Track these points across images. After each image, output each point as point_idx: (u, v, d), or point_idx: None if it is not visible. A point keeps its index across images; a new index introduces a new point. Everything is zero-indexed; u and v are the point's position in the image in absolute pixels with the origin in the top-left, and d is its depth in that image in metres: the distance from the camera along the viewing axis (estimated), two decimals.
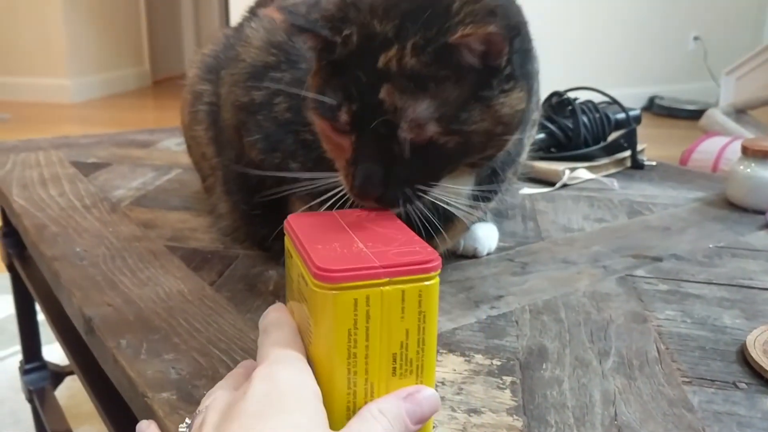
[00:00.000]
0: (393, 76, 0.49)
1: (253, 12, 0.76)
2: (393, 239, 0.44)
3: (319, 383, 0.40)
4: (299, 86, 0.60)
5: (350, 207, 0.54)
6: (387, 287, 0.39)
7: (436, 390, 0.42)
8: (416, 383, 0.42)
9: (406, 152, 0.51)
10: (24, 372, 1.22)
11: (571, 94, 1.08)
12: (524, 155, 0.69)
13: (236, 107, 0.67)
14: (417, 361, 0.41)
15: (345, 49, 0.51)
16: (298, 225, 0.45)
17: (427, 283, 0.40)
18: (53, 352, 1.29)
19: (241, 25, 0.76)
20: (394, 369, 0.41)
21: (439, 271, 0.41)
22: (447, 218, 0.60)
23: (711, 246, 0.77)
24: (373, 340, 0.40)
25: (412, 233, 0.45)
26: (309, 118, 0.56)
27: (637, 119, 1.10)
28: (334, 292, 0.38)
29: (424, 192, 0.53)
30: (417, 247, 0.42)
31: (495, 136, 0.53)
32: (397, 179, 0.51)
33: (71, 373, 1.21)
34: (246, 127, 0.66)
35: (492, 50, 0.50)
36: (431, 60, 0.49)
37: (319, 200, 0.58)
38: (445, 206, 0.56)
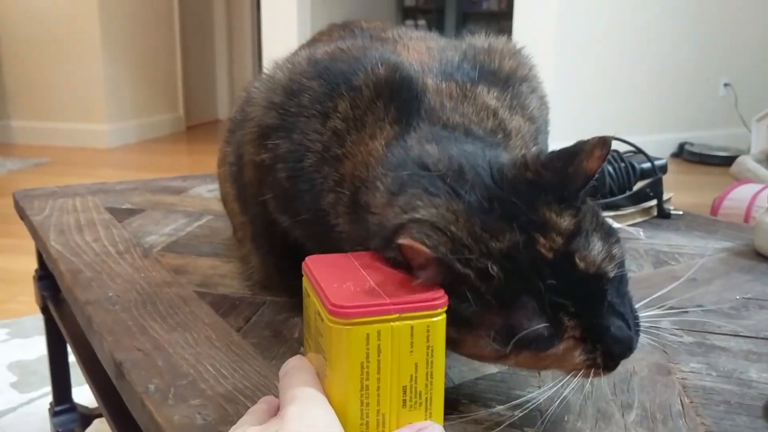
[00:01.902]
0: (568, 245, 0.48)
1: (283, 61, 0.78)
2: (403, 279, 0.47)
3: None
4: (294, 160, 0.62)
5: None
6: (397, 323, 0.42)
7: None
8: (425, 415, 0.44)
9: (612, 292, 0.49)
10: (54, 414, 1.23)
11: None
12: None
13: (253, 164, 0.69)
14: (426, 394, 0.44)
15: (488, 281, 0.47)
16: (315, 266, 0.48)
17: (434, 318, 0.43)
18: (82, 393, 1.31)
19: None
20: (405, 401, 0.43)
21: (445, 307, 0.44)
22: None
23: (738, 297, 0.77)
24: (384, 373, 0.42)
25: None
26: (479, 354, 0.50)
27: (663, 168, 1.10)
28: (347, 327, 0.41)
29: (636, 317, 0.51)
30: (424, 287, 0.45)
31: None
32: (629, 319, 0.50)
33: (100, 415, 1.22)
34: (263, 184, 0.68)
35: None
36: (574, 205, 0.50)
37: None
38: None
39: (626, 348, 0.49)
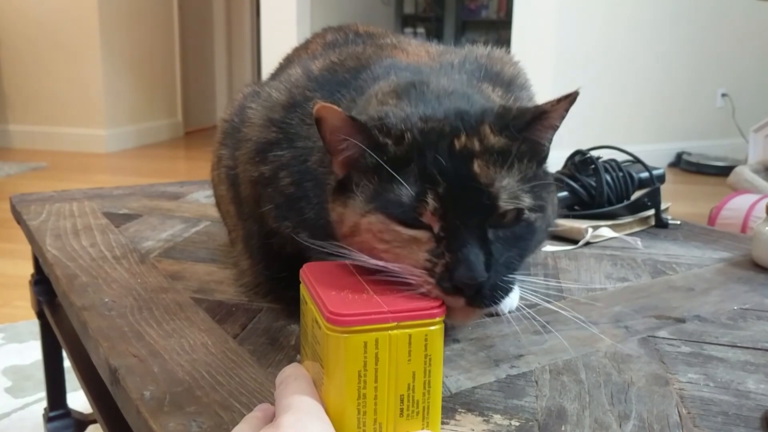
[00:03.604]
0: (478, 154, 0.51)
1: (276, 73, 0.79)
2: (401, 287, 0.46)
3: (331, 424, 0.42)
4: (299, 163, 0.64)
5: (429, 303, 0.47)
6: (395, 331, 0.42)
7: None
8: (422, 425, 0.44)
9: (502, 232, 0.50)
10: (48, 419, 1.23)
11: (594, 153, 1.09)
12: None
13: (251, 182, 0.70)
14: (423, 403, 0.44)
15: (401, 147, 0.51)
16: (312, 273, 0.48)
17: (432, 327, 0.43)
18: (77, 399, 1.30)
19: (261, 85, 0.78)
20: (402, 410, 0.43)
21: (443, 316, 0.44)
22: None
23: (735, 308, 0.77)
24: (382, 382, 0.42)
25: None
26: (346, 224, 0.53)
27: (661, 178, 1.10)
28: (345, 335, 0.41)
29: (510, 283, 0.51)
30: (422, 295, 0.46)
31: (552, 215, 0.56)
32: (495, 267, 0.49)
33: (94, 421, 1.22)
34: (261, 198, 0.69)
35: (559, 123, 0.54)
36: (513, 136, 0.52)
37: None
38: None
39: (469, 276, 0.47)
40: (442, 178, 0.49)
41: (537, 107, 0.53)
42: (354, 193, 0.52)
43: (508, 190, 0.50)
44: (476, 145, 0.51)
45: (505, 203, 0.50)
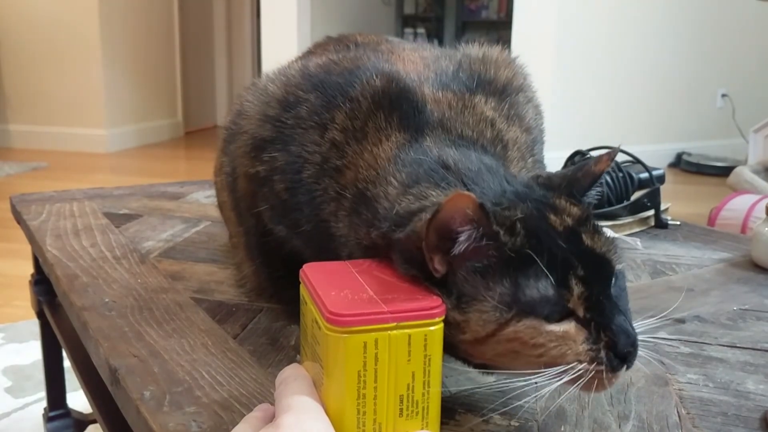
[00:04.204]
0: (578, 227, 0.49)
1: (281, 72, 0.78)
2: (400, 287, 0.47)
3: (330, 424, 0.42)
4: (293, 172, 0.62)
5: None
6: (394, 331, 0.42)
7: None
8: (422, 425, 0.44)
9: (614, 289, 0.49)
10: (48, 419, 1.23)
11: (594, 153, 1.09)
12: None
13: (247, 177, 0.69)
14: (423, 403, 0.44)
15: (515, 237, 0.47)
16: (312, 273, 0.48)
17: (431, 327, 0.43)
18: (77, 399, 1.30)
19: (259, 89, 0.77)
20: (401, 410, 0.43)
21: (443, 316, 0.44)
22: None
23: (735, 308, 0.77)
24: (381, 382, 0.42)
25: (418, 281, 0.48)
26: (471, 333, 0.47)
27: (661, 179, 1.10)
28: (345, 335, 0.41)
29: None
30: (422, 295, 0.46)
31: None
32: (629, 322, 0.48)
33: (94, 421, 1.22)
34: (256, 196, 0.68)
35: None
36: (579, 201, 0.52)
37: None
38: None
39: (632, 344, 0.46)
40: (575, 259, 0.47)
41: (589, 171, 0.53)
42: (472, 297, 0.47)
43: (612, 250, 0.50)
44: (568, 219, 0.50)
45: (617, 264, 0.49)
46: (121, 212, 1.12)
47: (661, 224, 1.10)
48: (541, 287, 0.46)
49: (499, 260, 0.47)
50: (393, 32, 6.60)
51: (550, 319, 0.46)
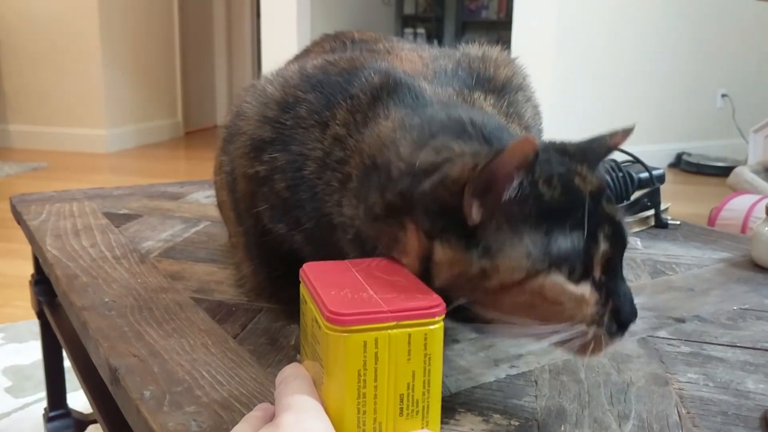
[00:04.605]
0: (599, 192, 0.50)
1: (279, 73, 0.78)
2: (400, 287, 0.47)
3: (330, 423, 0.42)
4: (294, 170, 0.62)
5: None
6: (394, 330, 0.42)
7: None
8: (422, 424, 0.44)
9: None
10: (48, 419, 1.23)
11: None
12: None
13: (246, 177, 0.69)
14: (423, 402, 0.44)
15: (552, 189, 0.48)
16: (312, 272, 0.48)
17: (432, 327, 0.43)
18: (77, 399, 1.30)
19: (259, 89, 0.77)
20: (402, 409, 0.43)
21: (443, 315, 0.44)
22: None
23: (735, 308, 0.77)
24: (382, 381, 0.42)
25: (418, 281, 0.48)
26: (495, 281, 0.47)
27: (661, 178, 1.10)
28: (345, 334, 0.41)
29: None
30: (422, 294, 0.46)
31: None
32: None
33: (94, 421, 1.22)
34: (256, 196, 0.68)
35: None
36: (595, 171, 0.53)
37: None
38: None
39: (634, 313, 0.49)
40: (600, 218, 0.49)
41: (604, 142, 0.54)
42: (505, 245, 0.47)
43: (625, 222, 0.51)
44: (591, 184, 0.50)
45: (630, 237, 0.51)
46: (121, 212, 1.12)
47: (661, 224, 1.10)
48: (574, 239, 0.47)
49: (536, 210, 0.47)
50: (393, 32, 6.60)
51: (572, 277, 0.47)
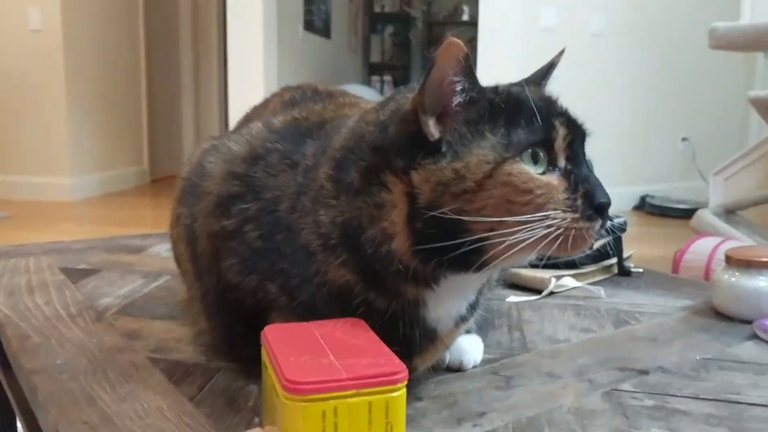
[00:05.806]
0: (550, 98, 0.61)
1: (235, 131, 0.79)
2: (363, 351, 0.46)
3: None
4: (267, 215, 0.63)
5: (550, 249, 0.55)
6: (354, 399, 0.41)
7: None
8: None
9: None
10: None
11: None
12: None
13: (210, 236, 0.68)
14: None
15: (499, 95, 0.57)
16: (273, 337, 0.48)
17: (393, 394, 0.42)
18: None
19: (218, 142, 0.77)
20: None
21: (405, 382, 0.43)
22: (429, 338, 0.62)
23: (698, 358, 0.77)
24: None
25: (382, 345, 0.47)
26: (469, 180, 0.53)
27: (622, 227, 1.11)
28: (303, 403, 0.40)
29: None
30: (385, 359, 0.45)
31: None
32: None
33: None
34: (221, 253, 0.67)
35: None
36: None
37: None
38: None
39: (607, 195, 0.55)
40: (556, 111, 0.57)
41: (548, 63, 0.67)
42: (470, 144, 0.54)
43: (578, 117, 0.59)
44: (543, 92, 0.61)
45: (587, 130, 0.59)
46: (80, 267, 1.10)
47: (624, 272, 1.10)
48: (532, 128, 0.54)
49: (490, 111, 0.55)
50: (360, 80, 6.68)
51: (538, 165, 0.54)
